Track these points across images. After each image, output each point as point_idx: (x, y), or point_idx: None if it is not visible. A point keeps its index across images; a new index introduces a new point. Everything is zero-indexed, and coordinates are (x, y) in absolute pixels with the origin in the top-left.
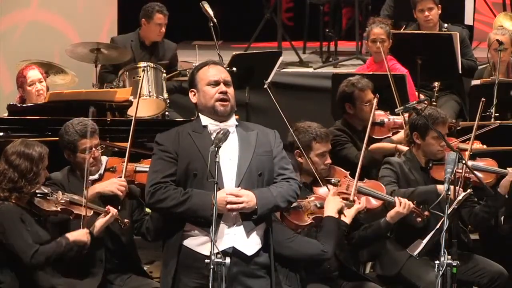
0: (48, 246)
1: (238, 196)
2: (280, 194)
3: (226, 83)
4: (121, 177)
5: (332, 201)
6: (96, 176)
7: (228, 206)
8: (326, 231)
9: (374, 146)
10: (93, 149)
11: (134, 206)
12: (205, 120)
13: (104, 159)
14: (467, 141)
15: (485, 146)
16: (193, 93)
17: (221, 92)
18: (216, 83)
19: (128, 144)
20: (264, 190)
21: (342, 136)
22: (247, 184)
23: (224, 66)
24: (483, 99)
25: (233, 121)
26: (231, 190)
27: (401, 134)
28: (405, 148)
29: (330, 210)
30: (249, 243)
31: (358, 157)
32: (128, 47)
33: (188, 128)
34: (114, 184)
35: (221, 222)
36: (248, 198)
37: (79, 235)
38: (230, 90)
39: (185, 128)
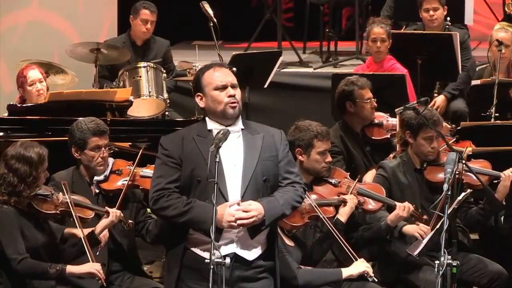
0: (37, 263)
1: (248, 211)
2: (286, 201)
3: (233, 86)
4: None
5: (361, 265)
6: (101, 177)
7: (239, 222)
8: (324, 272)
9: None
10: (103, 148)
11: (137, 208)
12: (211, 124)
13: (110, 160)
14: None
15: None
16: (199, 97)
17: (230, 96)
18: (224, 87)
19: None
20: (272, 200)
21: (334, 145)
22: (253, 190)
23: (227, 67)
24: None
25: (239, 125)
26: (238, 206)
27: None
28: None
29: (351, 269)
30: (251, 248)
31: None
32: None
33: (193, 132)
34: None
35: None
36: (258, 211)
37: (84, 268)
38: (237, 92)
39: (190, 131)
